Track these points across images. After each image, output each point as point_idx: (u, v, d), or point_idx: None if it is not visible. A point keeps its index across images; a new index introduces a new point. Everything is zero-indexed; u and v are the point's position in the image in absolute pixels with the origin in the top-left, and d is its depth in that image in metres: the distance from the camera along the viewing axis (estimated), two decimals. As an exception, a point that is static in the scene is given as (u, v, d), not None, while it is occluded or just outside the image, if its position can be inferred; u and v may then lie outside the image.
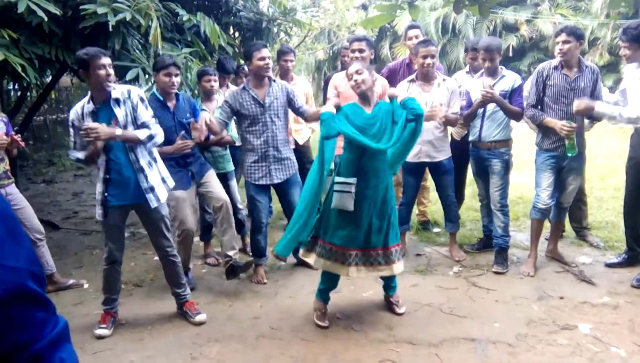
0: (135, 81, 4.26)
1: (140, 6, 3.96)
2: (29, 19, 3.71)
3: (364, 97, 3.22)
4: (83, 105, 3.07)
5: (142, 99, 3.16)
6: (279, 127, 3.85)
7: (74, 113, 3.10)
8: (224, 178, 4.45)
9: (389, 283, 3.48)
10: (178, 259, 3.44)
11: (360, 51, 4.24)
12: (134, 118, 3.10)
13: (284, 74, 4.74)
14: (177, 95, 3.73)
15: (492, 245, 4.30)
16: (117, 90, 3.07)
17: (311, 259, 3.31)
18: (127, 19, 3.88)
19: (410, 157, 4.12)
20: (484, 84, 3.96)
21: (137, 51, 4.34)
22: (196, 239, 4.74)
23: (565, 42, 3.75)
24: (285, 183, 3.94)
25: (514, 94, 4.02)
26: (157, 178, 3.24)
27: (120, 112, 3.04)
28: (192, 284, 3.86)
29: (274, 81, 3.88)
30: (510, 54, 18.07)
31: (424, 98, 4.04)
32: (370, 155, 3.13)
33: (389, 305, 3.48)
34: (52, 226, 5.46)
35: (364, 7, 17.83)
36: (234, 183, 4.55)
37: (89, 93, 3.08)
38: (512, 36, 18.33)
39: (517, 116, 4.03)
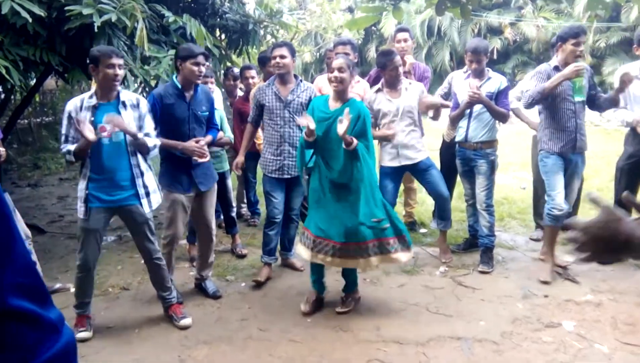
0: (122, 83, 4.22)
1: (126, 7, 3.94)
2: (13, 20, 3.67)
3: (338, 94, 3.36)
4: (83, 98, 3.09)
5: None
6: (297, 124, 3.89)
7: (72, 105, 3.07)
8: (220, 177, 4.51)
9: (347, 280, 3.57)
10: (163, 262, 3.40)
11: (345, 54, 4.27)
12: (140, 127, 3.18)
13: (268, 77, 4.75)
14: (195, 86, 3.55)
15: (478, 244, 4.35)
16: (126, 94, 3.21)
17: (304, 252, 3.44)
18: (113, 20, 3.86)
19: (388, 161, 4.18)
20: (470, 85, 4.00)
21: (123, 53, 4.31)
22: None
23: (579, 44, 3.77)
24: (296, 179, 3.95)
25: (500, 95, 4.07)
26: (154, 183, 3.31)
27: (127, 115, 3.12)
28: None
29: (301, 81, 3.99)
30: (495, 56, 18.25)
31: (394, 105, 4.09)
32: (326, 146, 3.32)
33: (341, 300, 3.57)
34: (37, 230, 5.39)
35: (350, 10, 17.91)
36: (229, 181, 4.70)
37: (93, 89, 3.14)
38: (496, 39, 18.51)
39: (503, 118, 4.08)
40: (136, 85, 4.41)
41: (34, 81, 6.08)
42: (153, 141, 3.23)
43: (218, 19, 5.80)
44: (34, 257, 3.85)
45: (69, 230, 5.65)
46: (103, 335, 3.28)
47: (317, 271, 3.54)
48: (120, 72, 3.06)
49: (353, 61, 3.50)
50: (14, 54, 3.88)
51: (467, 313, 3.41)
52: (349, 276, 3.55)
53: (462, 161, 4.31)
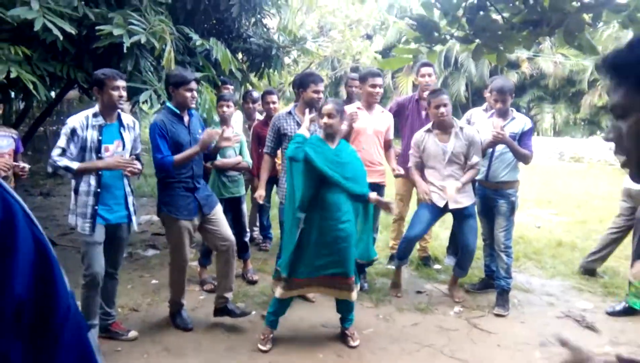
0: (145, 102, 4.25)
1: (156, 29, 3.98)
2: (44, 37, 3.70)
3: (328, 136, 3.38)
4: (87, 116, 3.14)
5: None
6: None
7: (78, 122, 3.10)
8: (236, 202, 4.49)
9: (346, 316, 3.52)
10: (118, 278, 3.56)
11: (380, 86, 4.28)
12: (134, 148, 3.38)
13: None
14: (189, 110, 3.57)
15: (494, 285, 4.28)
16: (125, 116, 3.31)
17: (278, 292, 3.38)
18: (142, 42, 3.89)
19: (433, 199, 4.10)
20: (494, 124, 3.97)
21: (149, 73, 4.35)
22: (193, 263, 4.70)
23: None
24: None
25: (524, 137, 4.03)
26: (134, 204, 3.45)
27: (127, 136, 3.30)
28: (187, 323, 3.65)
29: None
30: (511, 90, 18.27)
31: (440, 148, 4.04)
32: (329, 188, 3.26)
33: (343, 338, 3.51)
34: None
35: (368, 37, 18.05)
36: (244, 206, 4.65)
37: (97, 108, 3.18)
38: (513, 73, 18.55)
39: (526, 159, 4.03)
40: (159, 105, 4.40)
41: (55, 92, 6.13)
42: (139, 165, 3.31)
43: (242, 43, 5.85)
44: None
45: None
46: (110, 359, 3.22)
47: (282, 309, 3.45)
48: (124, 94, 3.16)
49: (342, 105, 3.49)
50: (42, 69, 3.90)
51: (483, 360, 3.32)
52: (347, 310, 3.50)
53: (481, 199, 4.25)
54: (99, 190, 3.15)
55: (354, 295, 3.42)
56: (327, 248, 3.26)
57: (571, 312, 4.05)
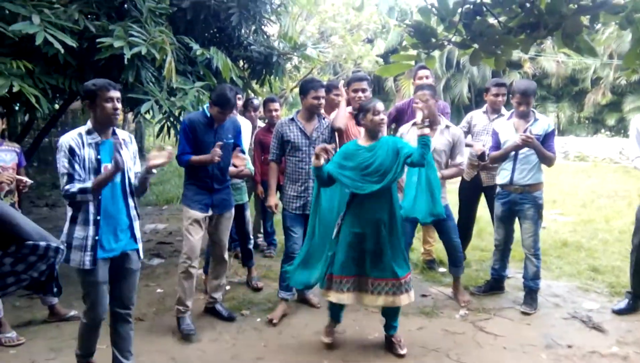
0: (147, 112, 4.28)
1: (156, 41, 4.01)
2: (45, 50, 3.74)
3: (373, 133, 3.37)
4: (81, 134, 2.74)
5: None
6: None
7: (72, 141, 2.69)
8: (239, 209, 4.51)
9: (390, 323, 3.48)
10: (132, 323, 3.05)
11: (363, 90, 4.24)
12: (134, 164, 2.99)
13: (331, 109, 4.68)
14: None
15: (499, 288, 4.29)
16: (121, 133, 2.93)
17: (332, 297, 3.36)
18: (143, 53, 3.92)
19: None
20: (516, 126, 3.96)
21: (151, 84, 4.38)
22: (199, 271, 4.71)
23: None
24: None
25: (548, 138, 3.98)
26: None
27: (125, 153, 2.85)
28: (191, 328, 3.65)
29: (324, 118, 4.05)
30: (513, 90, 18.25)
31: None
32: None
33: (389, 346, 3.47)
34: (54, 253, 5.41)
35: (369, 41, 18.09)
36: (248, 213, 4.69)
37: (89, 124, 2.78)
38: (516, 73, 18.54)
39: (550, 161, 3.99)
40: (161, 115, 4.43)
41: (59, 104, 6.19)
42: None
43: (243, 51, 5.87)
44: None
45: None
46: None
47: (335, 308, 3.51)
48: (119, 106, 2.78)
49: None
50: (44, 82, 3.94)
51: (489, 363, 3.32)
52: (392, 315, 3.46)
53: (505, 204, 4.17)
54: (98, 218, 2.73)
55: (401, 300, 3.27)
56: (359, 251, 3.28)
57: (577, 313, 4.04)
